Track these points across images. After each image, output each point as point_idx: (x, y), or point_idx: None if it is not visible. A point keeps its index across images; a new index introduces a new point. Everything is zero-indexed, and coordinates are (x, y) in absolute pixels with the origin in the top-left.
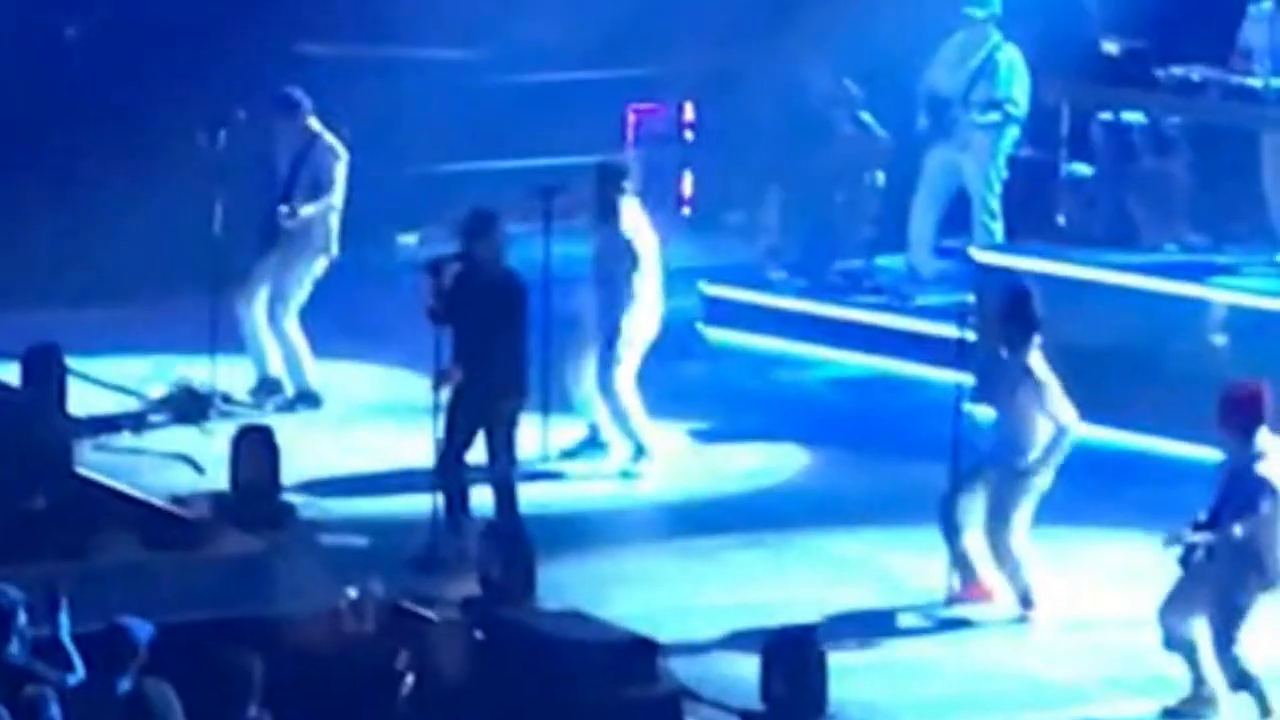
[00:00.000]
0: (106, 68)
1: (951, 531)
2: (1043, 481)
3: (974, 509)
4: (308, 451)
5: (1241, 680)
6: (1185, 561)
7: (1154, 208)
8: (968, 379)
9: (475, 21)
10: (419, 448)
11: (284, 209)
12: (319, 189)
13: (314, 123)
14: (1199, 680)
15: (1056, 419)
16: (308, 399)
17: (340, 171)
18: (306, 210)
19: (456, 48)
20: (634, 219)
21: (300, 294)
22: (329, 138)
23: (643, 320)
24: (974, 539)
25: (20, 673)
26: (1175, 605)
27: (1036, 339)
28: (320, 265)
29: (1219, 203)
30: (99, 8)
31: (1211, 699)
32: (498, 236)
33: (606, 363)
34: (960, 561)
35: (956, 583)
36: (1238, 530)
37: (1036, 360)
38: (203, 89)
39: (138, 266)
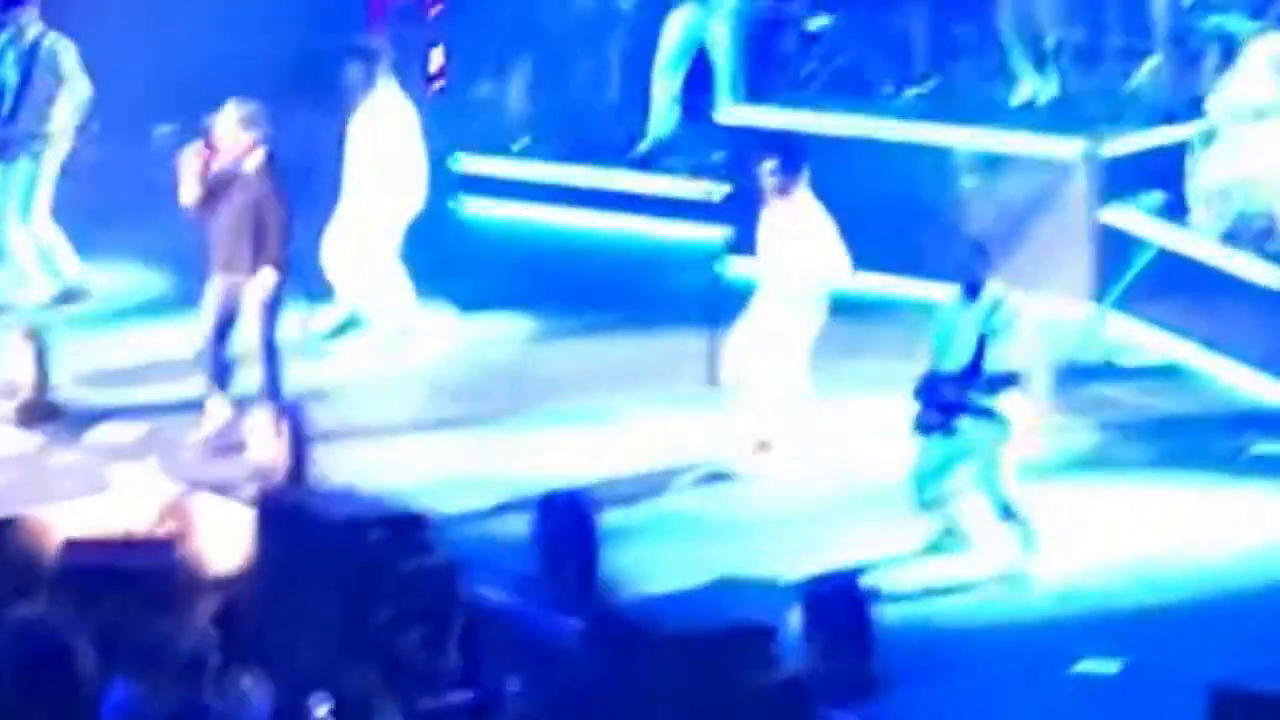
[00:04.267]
0: None
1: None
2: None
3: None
4: (76, 346)
5: (1008, 511)
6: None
7: (892, 54)
8: (721, 235)
9: None
10: (185, 337)
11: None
12: (61, 87)
13: (37, 21)
14: (951, 521)
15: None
16: (74, 295)
17: (74, 63)
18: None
19: None
20: (391, 96)
21: (45, 191)
22: (53, 34)
23: (408, 195)
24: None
25: None
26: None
27: (806, 176)
28: (58, 156)
29: (957, 45)
30: None
31: (966, 534)
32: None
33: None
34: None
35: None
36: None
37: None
38: None
39: None
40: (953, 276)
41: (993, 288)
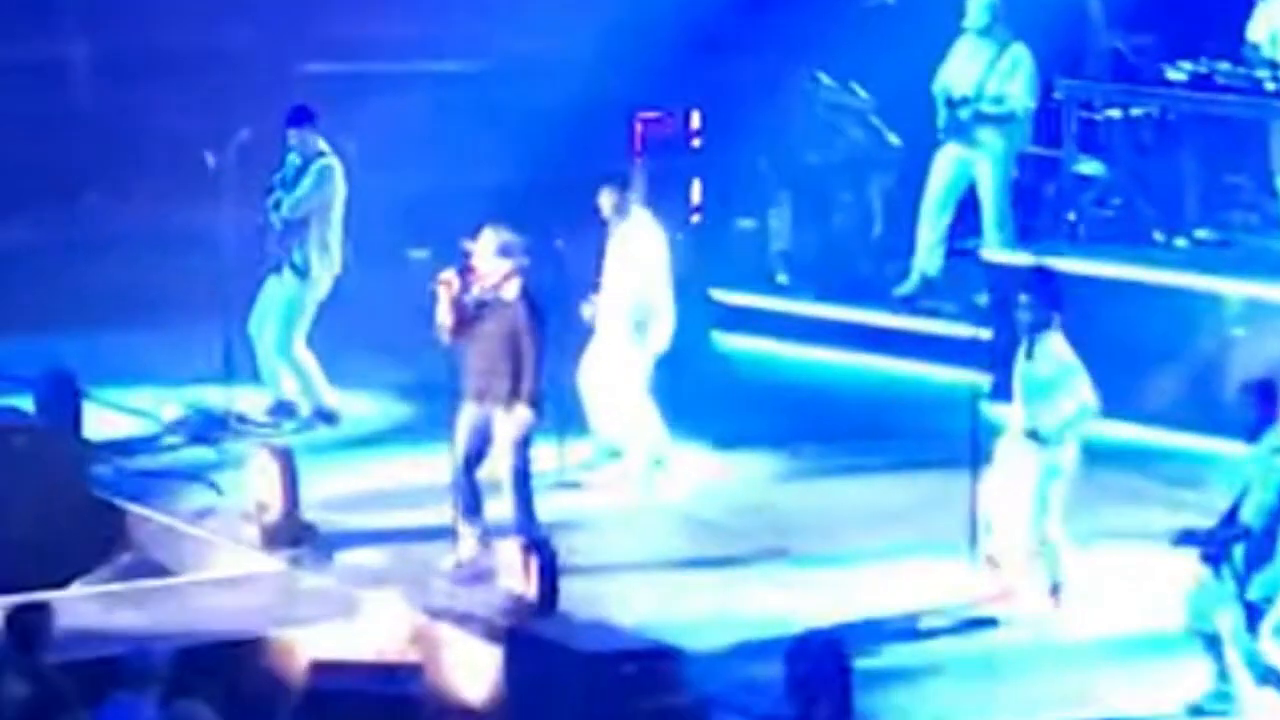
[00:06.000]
0: (113, 92)
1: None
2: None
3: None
4: (325, 471)
5: (1266, 675)
6: (1206, 557)
7: (1164, 202)
8: (983, 378)
9: (480, 34)
10: (435, 465)
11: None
12: (322, 206)
13: (321, 142)
14: (1223, 674)
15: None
16: (325, 417)
17: (340, 188)
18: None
19: (459, 60)
20: (644, 225)
21: (305, 316)
22: (330, 156)
23: (658, 322)
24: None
25: (53, 686)
26: (1199, 598)
27: (1058, 318)
28: (322, 286)
29: (1229, 195)
30: (103, 34)
31: (1235, 694)
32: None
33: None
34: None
35: (986, 582)
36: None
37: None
38: (210, 111)
39: (150, 291)
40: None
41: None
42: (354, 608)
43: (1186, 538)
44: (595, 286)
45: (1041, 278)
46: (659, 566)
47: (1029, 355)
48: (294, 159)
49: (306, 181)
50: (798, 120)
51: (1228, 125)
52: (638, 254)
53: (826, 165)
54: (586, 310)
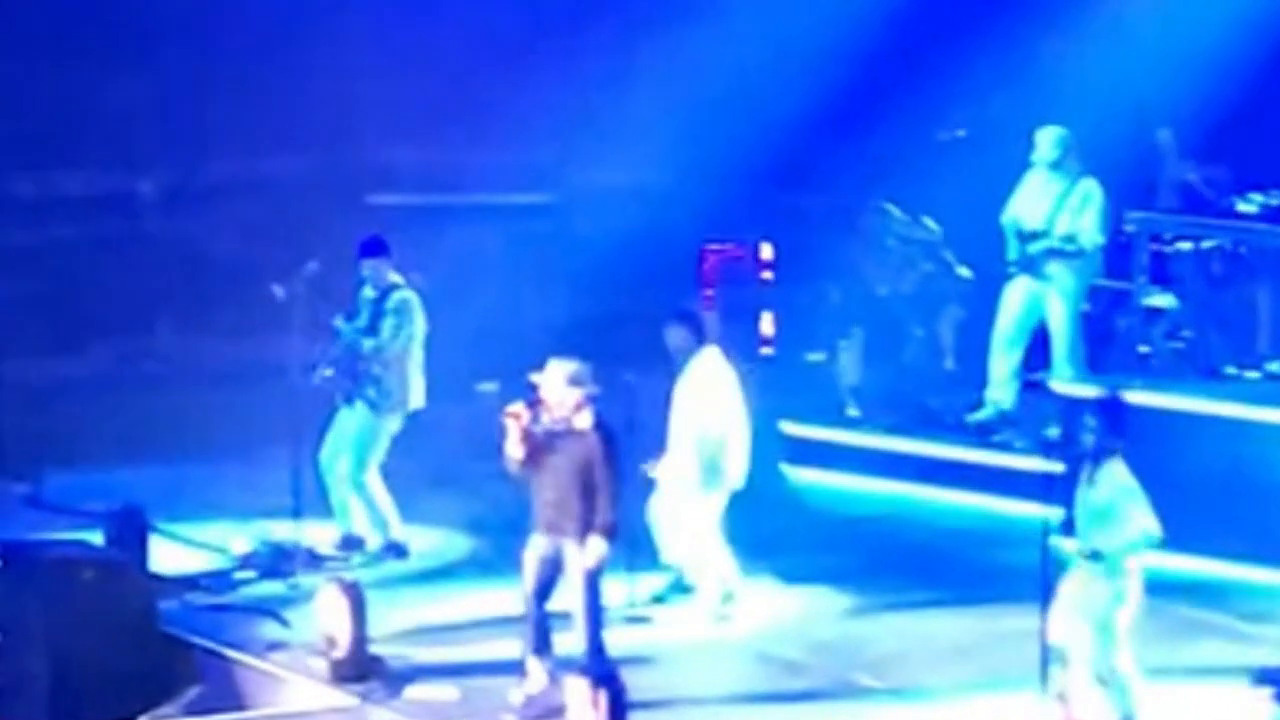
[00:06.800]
0: (182, 225)
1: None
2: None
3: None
4: (393, 604)
5: None
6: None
7: (1235, 335)
8: (1055, 513)
9: (548, 166)
10: (503, 598)
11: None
12: (395, 341)
13: (394, 274)
14: None
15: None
16: (395, 551)
17: (420, 321)
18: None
19: (526, 192)
20: (713, 363)
21: (379, 449)
22: (405, 289)
23: (731, 461)
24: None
25: None
26: None
27: (1122, 446)
28: (397, 420)
29: None
30: (172, 165)
31: None
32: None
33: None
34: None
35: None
36: None
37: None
38: (277, 243)
39: (219, 424)
40: None
41: None
42: None
43: (1267, 676)
44: (663, 434)
45: (1110, 405)
46: (729, 702)
47: (1090, 481)
48: (368, 291)
49: (388, 322)
50: (868, 252)
51: None
52: (707, 393)
53: (897, 297)
54: (651, 469)
